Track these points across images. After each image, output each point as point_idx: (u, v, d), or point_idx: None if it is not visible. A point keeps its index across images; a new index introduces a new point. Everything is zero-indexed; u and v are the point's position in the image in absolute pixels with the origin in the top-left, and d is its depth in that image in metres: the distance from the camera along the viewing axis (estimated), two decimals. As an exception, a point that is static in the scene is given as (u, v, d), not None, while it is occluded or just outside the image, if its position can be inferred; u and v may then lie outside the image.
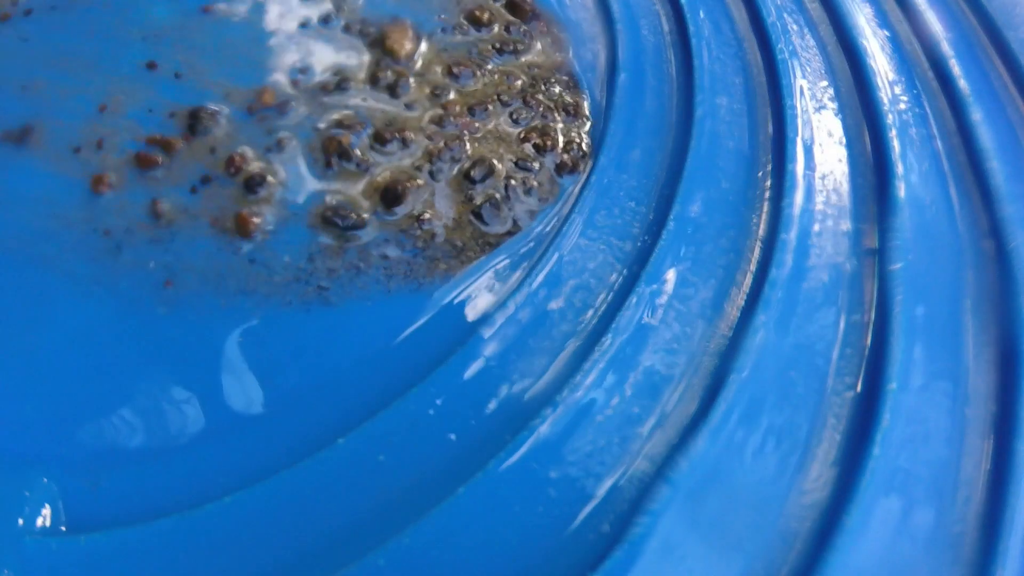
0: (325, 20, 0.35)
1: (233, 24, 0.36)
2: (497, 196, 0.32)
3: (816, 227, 0.33)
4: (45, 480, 0.26)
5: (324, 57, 0.35)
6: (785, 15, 0.41)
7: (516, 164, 0.33)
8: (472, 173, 0.32)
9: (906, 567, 0.26)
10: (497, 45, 0.36)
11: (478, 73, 0.35)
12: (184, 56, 0.34)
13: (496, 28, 0.37)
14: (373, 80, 0.33)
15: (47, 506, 0.26)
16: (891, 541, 0.26)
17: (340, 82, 0.33)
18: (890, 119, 0.36)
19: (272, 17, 0.36)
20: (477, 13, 0.37)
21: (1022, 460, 0.27)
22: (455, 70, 0.35)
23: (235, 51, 0.35)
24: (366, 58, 0.35)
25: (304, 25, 0.36)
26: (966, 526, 0.27)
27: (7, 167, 0.32)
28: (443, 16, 0.37)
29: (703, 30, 0.39)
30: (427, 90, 0.34)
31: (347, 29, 0.36)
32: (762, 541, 0.26)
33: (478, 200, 0.31)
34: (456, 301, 0.30)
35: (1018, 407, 0.29)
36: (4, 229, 0.30)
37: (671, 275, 0.31)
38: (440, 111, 0.33)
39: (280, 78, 0.34)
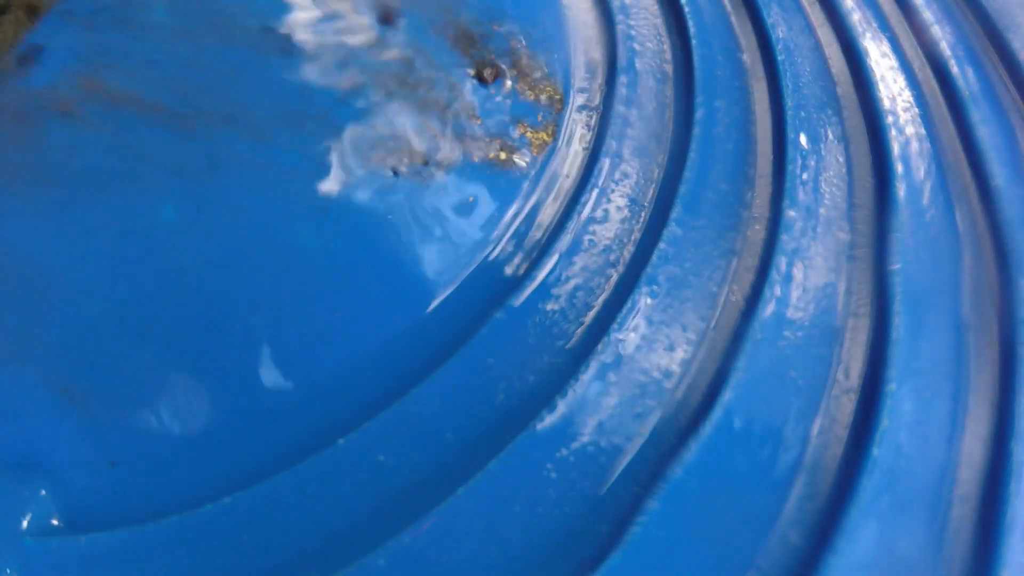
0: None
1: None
2: None
3: (815, 228, 0.33)
4: (45, 480, 0.26)
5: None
6: (784, 16, 0.41)
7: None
8: None
9: (906, 567, 0.26)
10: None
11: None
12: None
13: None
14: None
15: (47, 506, 0.26)
16: (891, 542, 0.26)
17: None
18: (890, 119, 0.36)
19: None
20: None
21: (1021, 460, 0.27)
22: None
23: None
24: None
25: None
26: (966, 526, 0.27)
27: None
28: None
29: (703, 32, 0.39)
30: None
31: None
32: (761, 542, 0.26)
33: None
34: (455, 300, 0.30)
35: (1018, 407, 0.29)
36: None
37: (671, 277, 0.31)
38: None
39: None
